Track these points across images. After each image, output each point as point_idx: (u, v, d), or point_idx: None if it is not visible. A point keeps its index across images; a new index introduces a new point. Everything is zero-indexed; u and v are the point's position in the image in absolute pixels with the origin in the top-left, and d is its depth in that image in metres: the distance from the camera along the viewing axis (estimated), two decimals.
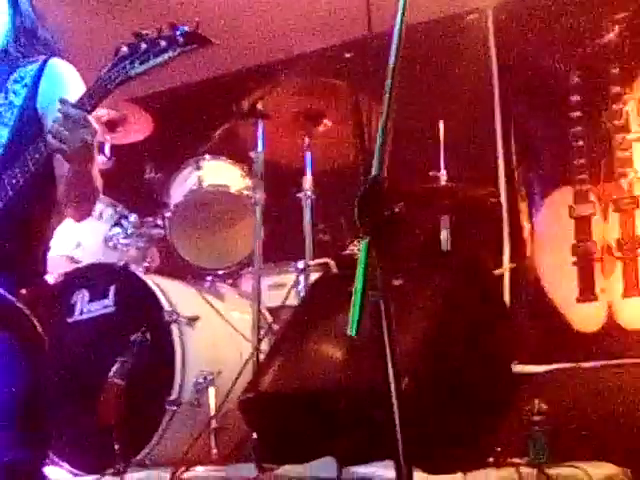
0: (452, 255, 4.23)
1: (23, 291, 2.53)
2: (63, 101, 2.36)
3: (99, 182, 2.57)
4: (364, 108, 3.44)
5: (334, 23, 4.30)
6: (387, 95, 1.67)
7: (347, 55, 3.82)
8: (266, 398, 3.28)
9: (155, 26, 2.31)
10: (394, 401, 1.57)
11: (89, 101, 2.37)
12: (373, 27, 1.76)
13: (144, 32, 2.30)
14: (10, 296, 2.50)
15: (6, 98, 2.60)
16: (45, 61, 2.68)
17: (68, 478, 3.38)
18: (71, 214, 2.73)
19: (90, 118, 2.35)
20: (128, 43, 2.31)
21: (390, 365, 1.59)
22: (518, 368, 3.89)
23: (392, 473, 1.61)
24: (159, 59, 2.30)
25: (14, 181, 2.43)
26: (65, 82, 2.67)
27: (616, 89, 4.59)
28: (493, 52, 4.97)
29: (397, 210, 1.64)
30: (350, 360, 2.96)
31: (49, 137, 2.36)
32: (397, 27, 1.69)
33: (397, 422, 1.56)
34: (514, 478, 3.08)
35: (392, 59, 1.69)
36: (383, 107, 1.68)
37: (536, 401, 3.51)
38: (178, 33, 2.28)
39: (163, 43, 2.29)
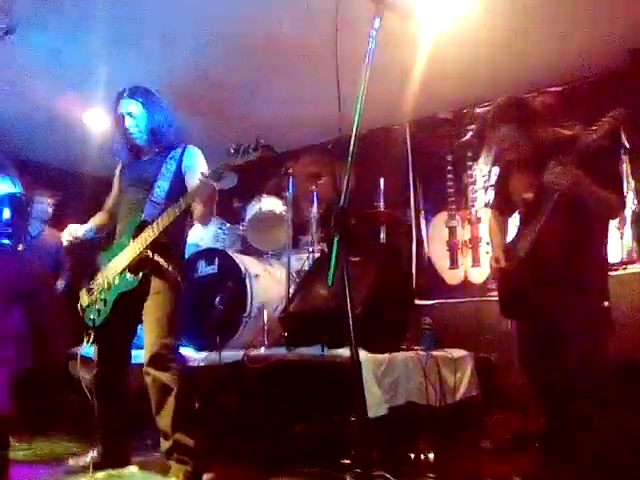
0: (385, 245, 4.23)
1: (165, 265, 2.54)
2: (202, 173, 2.40)
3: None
4: (338, 172, 3.46)
5: (323, 129, 4.27)
6: (349, 165, 1.68)
7: (329, 147, 3.86)
8: (291, 315, 3.28)
9: (241, 135, 2.35)
10: (351, 317, 1.58)
11: (214, 176, 2.40)
12: (342, 132, 1.77)
13: (241, 143, 2.31)
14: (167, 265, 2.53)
15: (167, 167, 2.59)
16: (185, 147, 2.67)
17: (193, 354, 3.37)
18: (202, 223, 2.71)
19: (213, 184, 2.41)
20: (234, 146, 2.32)
21: (349, 300, 1.59)
22: (418, 301, 3.88)
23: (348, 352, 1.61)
24: (250, 156, 2.29)
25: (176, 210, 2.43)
26: (196, 159, 2.66)
27: (470, 163, 4.60)
28: (409, 145, 4.92)
29: (352, 223, 1.65)
30: (331, 297, 2.96)
31: (195, 191, 2.42)
32: (353, 133, 1.70)
33: (351, 327, 1.57)
34: (414, 357, 3.07)
35: (351, 148, 1.70)
36: (346, 171, 1.68)
37: (426, 318, 3.52)
38: (260, 144, 2.27)
39: (252, 148, 2.28)
